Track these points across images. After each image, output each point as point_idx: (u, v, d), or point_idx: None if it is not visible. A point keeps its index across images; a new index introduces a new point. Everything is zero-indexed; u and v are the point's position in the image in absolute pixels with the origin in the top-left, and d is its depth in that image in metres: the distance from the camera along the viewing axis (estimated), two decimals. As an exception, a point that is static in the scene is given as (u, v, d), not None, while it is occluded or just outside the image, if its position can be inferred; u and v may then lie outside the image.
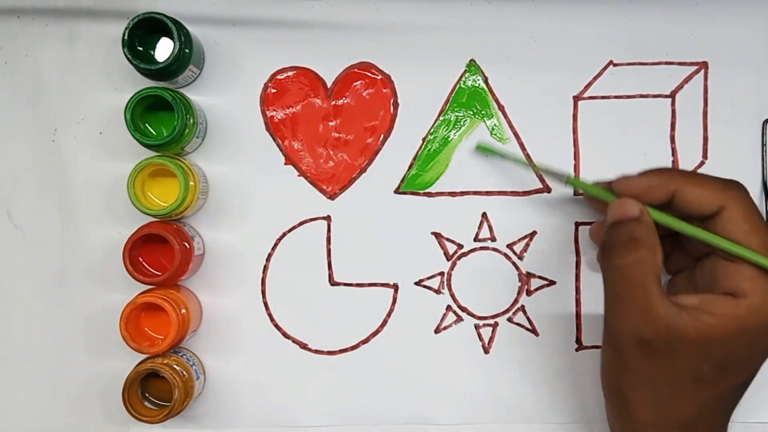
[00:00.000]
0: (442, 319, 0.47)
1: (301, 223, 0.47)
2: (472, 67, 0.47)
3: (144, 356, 0.45)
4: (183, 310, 0.44)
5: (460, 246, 0.47)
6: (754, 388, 0.46)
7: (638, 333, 0.36)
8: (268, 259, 0.47)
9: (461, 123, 0.47)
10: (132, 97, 0.43)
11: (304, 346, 0.47)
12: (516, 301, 0.47)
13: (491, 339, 0.47)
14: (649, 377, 0.37)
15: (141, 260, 0.45)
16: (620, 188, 0.39)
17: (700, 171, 0.47)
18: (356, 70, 0.47)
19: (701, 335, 0.35)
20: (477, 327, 0.47)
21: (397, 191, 0.47)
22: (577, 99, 0.47)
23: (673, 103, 0.47)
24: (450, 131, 0.47)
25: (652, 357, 0.36)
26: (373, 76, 0.47)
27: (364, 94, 0.47)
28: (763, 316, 0.35)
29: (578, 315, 0.47)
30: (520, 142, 0.47)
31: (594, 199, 0.43)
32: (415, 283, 0.47)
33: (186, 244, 0.44)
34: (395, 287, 0.47)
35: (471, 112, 0.47)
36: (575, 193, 0.47)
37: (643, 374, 0.37)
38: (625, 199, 0.39)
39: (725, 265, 0.37)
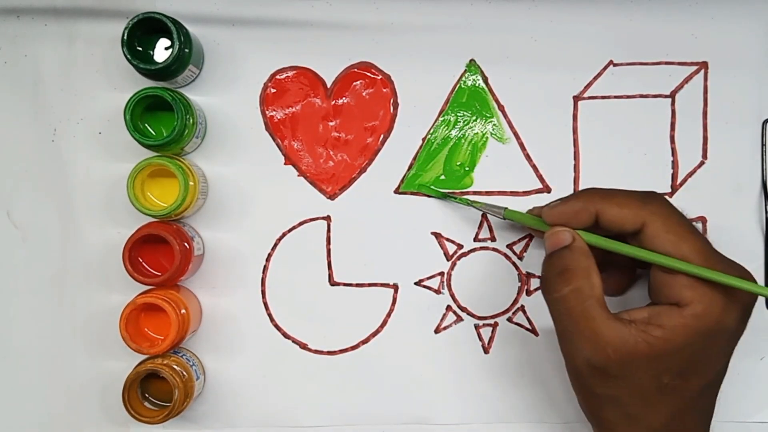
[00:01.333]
0: (442, 319, 0.47)
1: (301, 223, 0.47)
2: (472, 67, 0.47)
3: (144, 357, 0.45)
4: (183, 311, 0.44)
5: (460, 246, 0.47)
6: (754, 389, 0.46)
7: (589, 360, 0.37)
8: (268, 259, 0.47)
9: (461, 123, 0.47)
10: (131, 98, 0.43)
11: (304, 346, 0.47)
12: (516, 301, 0.47)
13: (491, 339, 0.47)
14: (613, 397, 0.37)
15: (141, 261, 0.45)
16: (548, 218, 0.40)
17: (699, 173, 0.47)
18: (356, 70, 0.47)
19: (653, 349, 0.36)
20: (477, 327, 0.47)
21: (397, 191, 0.47)
22: (577, 99, 0.47)
23: (673, 103, 0.47)
24: (450, 131, 0.47)
25: (610, 379, 0.37)
26: (373, 76, 0.47)
27: (364, 93, 0.47)
28: (708, 321, 0.36)
29: (578, 315, 0.47)
30: (520, 142, 0.47)
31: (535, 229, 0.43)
32: (415, 283, 0.47)
33: (186, 244, 0.44)
34: (395, 287, 0.47)
35: (471, 112, 0.47)
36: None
37: (606, 396, 0.38)
38: (556, 228, 0.40)
39: (663, 276, 0.37)
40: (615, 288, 0.45)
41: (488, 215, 0.47)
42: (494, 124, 0.47)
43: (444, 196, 0.46)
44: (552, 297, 0.38)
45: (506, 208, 0.44)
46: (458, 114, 0.47)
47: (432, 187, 0.47)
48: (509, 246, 0.47)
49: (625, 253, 0.38)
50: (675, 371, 0.36)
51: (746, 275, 0.37)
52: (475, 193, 0.47)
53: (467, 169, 0.47)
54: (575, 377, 0.39)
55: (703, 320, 0.36)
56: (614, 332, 0.36)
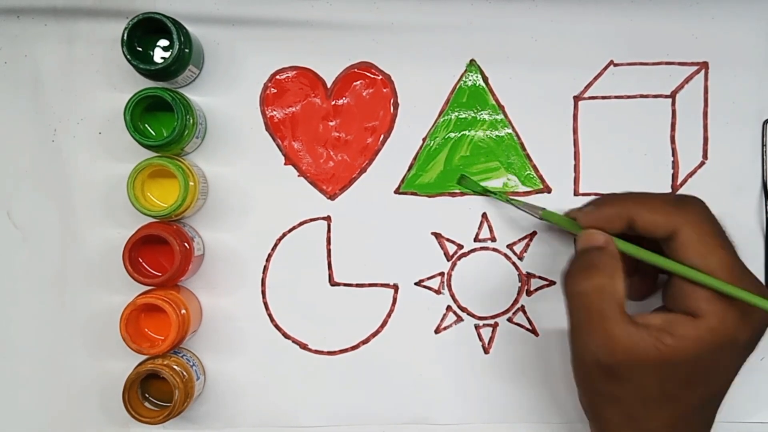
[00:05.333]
0: (442, 319, 0.47)
1: (301, 224, 0.47)
2: (473, 66, 0.47)
3: (144, 357, 0.45)
4: (183, 311, 0.44)
5: (460, 246, 0.47)
6: (753, 389, 0.46)
7: (599, 359, 0.37)
8: (268, 260, 0.47)
9: (462, 123, 0.47)
10: (131, 98, 0.43)
11: (304, 347, 0.47)
12: (516, 301, 0.47)
13: (491, 339, 0.47)
14: (616, 398, 0.37)
15: (141, 261, 0.45)
16: (583, 222, 0.40)
17: (700, 173, 0.47)
18: (356, 70, 0.47)
19: (662, 356, 0.36)
20: (477, 327, 0.47)
21: (397, 191, 0.47)
22: (577, 99, 0.47)
23: (673, 103, 0.47)
24: (450, 131, 0.47)
25: (616, 379, 0.37)
26: (373, 76, 0.47)
27: (364, 94, 0.47)
28: (721, 336, 0.36)
29: (578, 315, 0.47)
30: (520, 142, 0.47)
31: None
32: (415, 284, 0.47)
33: (186, 244, 0.44)
34: (395, 287, 0.47)
35: (471, 112, 0.47)
36: (575, 193, 0.47)
37: (610, 395, 0.38)
38: (592, 230, 0.40)
39: (684, 285, 0.37)
40: (638, 293, 0.44)
41: (525, 212, 0.46)
42: (494, 124, 0.47)
43: (484, 191, 0.46)
44: (573, 290, 0.38)
45: (544, 208, 0.44)
46: (458, 114, 0.47)
47: (474, 179, 0.46)
48: (509, 246, 0.47)
49: (652, 263, 0.38)
50: (681, 380, 0.36)
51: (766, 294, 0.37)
52: (475, 193, 0.47)
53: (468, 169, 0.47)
54: (581, 372, 0.39)
55: (717, 334, 0.36)
56: (627, 335, 0.36)
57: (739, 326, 0.36)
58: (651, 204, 0.38)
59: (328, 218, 0.47)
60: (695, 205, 0.38)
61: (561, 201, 0.47)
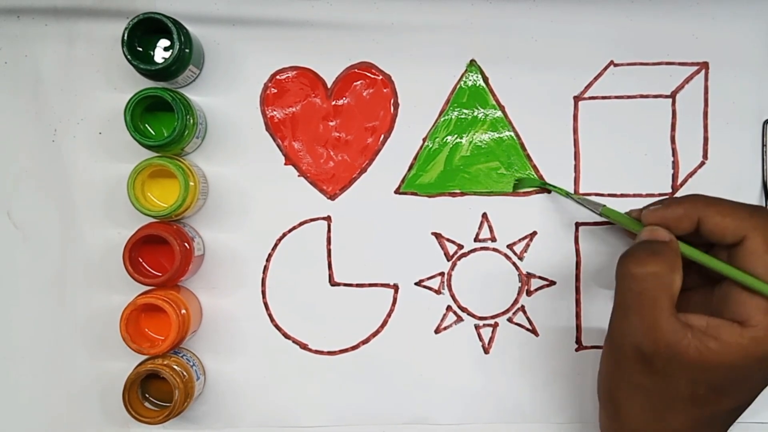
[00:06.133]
0: (442, 320, 0.47)
1: (301, 224, 0.47)
2: (473, 67, 0.47)
3: (144, 357, 0.45)
4: (183, 311, 0.44)
5: (461, 246, 0.47)
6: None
7: (640, 346, 0.36)
8: (268, 259, 0.47)
9: (462, 123, 0.47)
10: (132, 98, 0.43)
11: (304, 347, 0.47)
12: (516, 301, 0.47)
13: (491, 339, 0.47)
14: (644, 389, 0.37)
15: (141, 261, 0.45)
16: (649, 220, 0.40)
17: (700, 173, 0.47)
18: (356, 70, 0.47)
19: (702, 358, 0.35)
20: (477, 327, 0.47)
21: (397, 191, 0.47)
22: (577, 99, 0.47)
23: (673, 103, 0.47)
24: (450, 131, 0.47)
25: (650, 371, 0.37)
26: (373, 76, 0.47)
27: (364, 94, 0.47)
28: (765, 348, 0.35)
29: (578, 315, 0.47)
30: (520, 142, 0.47)
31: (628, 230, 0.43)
32: (415, 284, 0.47)
33: (186, 244, 0.44)
34: (395, 287, 0.47)
35: (471, 112, 0.47)
36: (575, 193, 0.47)
37: (639, 385, 0.37)
38: (657, 227, 0.39)
39: (739, 292, 0.37)
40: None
41: (585, 207, 0.46)
42: (494, 125, 0.47)
43: (543, 184, 0.46)
44: (630, 271, 0.37)
45: (604, 205, 0.44)
46: (459, 114, 0.47)
47: (532, 176, 0.47)
48: (509, 246, 0.47)
49: (712, 267, 0.38)
50: (713, 386, 0.36)
51: None
52: (475, 193, 0.47)
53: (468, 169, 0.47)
54: (614, 358, 0.38)
55: (761, 346, 0.35)
56: (673, 329, 0.36)
57: None
58: (721, 207, 0.38)
59: (328, 218, 0.47)
60: (765, 214, 0.38)
61: (561, 201, 0.47)
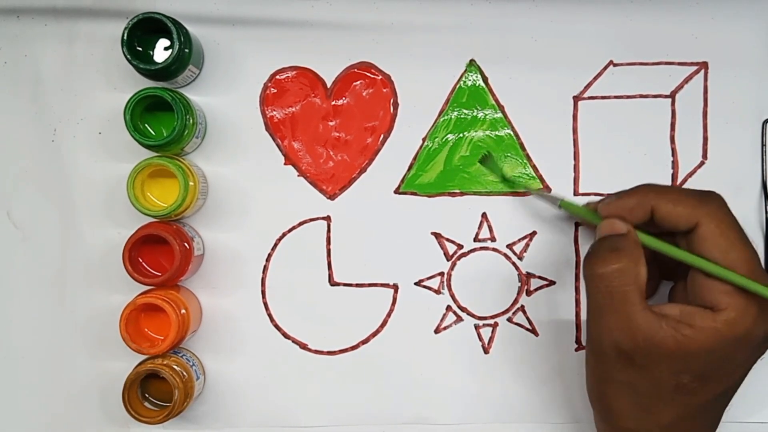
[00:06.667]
0: (442, 319, 0.47)
1: (301, 223, 0.47)
2: (472, 66, 0.47)
3: (144, 357, 0.45)
4: (183, 311, 0.44)
5: (460, 246, 0.47)
6: (753, 389, 0.46)
7: (618, 343, 0.37)
8: (268, 259, 0.47)
9: (461, 123, 0.47)
10: (131, 98, 0.43)
11: (304, 347, 0.47)
12: (516, 301, 0.47)
13: (491, 339, 0.47)
14: (629, 385, 0.37)
15: (141, 261, 0.45)
16: (604, 212, 0.40)
17: (700, 173, 0.47)
18: (356, 70, 0.47)
19: (680, 346, 0.36)
20: (477, 327, 0.47)
21: (396, 191, 0.47)
22: (577, 99, 0.47)
23: (673, 103, 0.47)
24: (450, 131, 0.47)
25: (632, 366, 0.37)
26: (373, 76, 0.47)
27: (364, 94, 0.47)
28: (739, 330, 0.36)
29: (578, 315, 0.47)
30: (520, 142, 0.47)
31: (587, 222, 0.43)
32: (415, 284, 0.47)
33: (186, 244, 0.44)
34: (395, 287, 0.47)
35: (471, 112, 0.47)
36: (575, 193, 0.47)
37: (623, 383, 0.38)
38: (613, 219, 0.40)
39: (704, 278, 0.37)
40: (648, 290, 0.44)
41: (547, 201, 0.46)
42: (494, 124, 0.47)
43: (503, 176, 0.46)
44: (596, 272, 0.37)
45: (563, 198, 0.44)
46: (458, 114, 0.47)
47: (497, 162, 0.47)
48: (509, 246, 0.47)
49: (672, 255, 0.38)
50: (695, 373, 0.36)
51: None
52: (474, 193, 0.47)
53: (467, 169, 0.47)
54: (597, 359, 0.39)
55: (734, 328, 0.36)
56: (648, 321, 0.36)
57: (756, 321, 0.36)
58: (673, 195, 0.38)
59: (328, 218, 0.47)
60: (716, 199, 0.38)
61: (561, 201, 0.47)
